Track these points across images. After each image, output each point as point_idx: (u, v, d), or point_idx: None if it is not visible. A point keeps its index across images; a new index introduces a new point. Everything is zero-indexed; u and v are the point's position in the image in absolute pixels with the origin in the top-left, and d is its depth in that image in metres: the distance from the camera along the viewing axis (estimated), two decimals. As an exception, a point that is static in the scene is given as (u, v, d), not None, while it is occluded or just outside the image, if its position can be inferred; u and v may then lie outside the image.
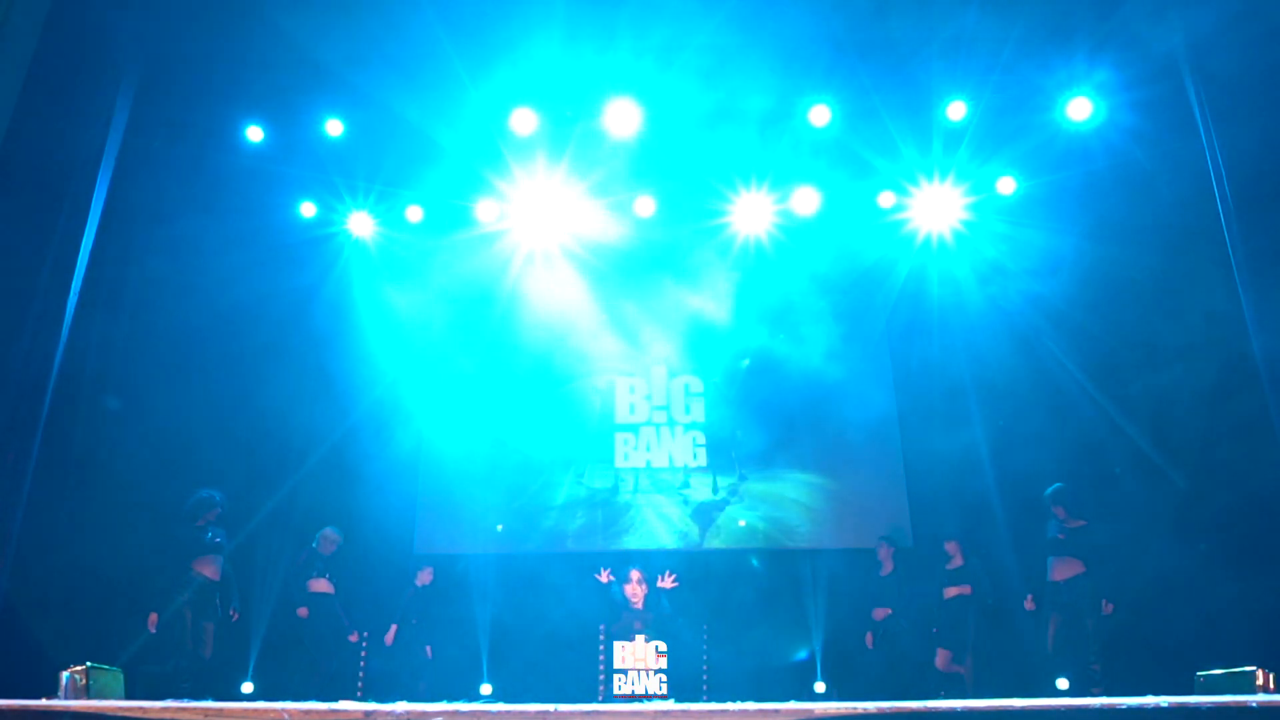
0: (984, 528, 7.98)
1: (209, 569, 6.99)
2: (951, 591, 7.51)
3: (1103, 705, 2.70)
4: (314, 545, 7.65)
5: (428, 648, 7.62)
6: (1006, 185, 8.15)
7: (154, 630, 6.72)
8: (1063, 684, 7.02)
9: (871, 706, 2.81)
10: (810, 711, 2.81)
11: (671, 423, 9.25)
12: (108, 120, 6.63)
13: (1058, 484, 7.30)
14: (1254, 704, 2.69)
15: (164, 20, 6.95)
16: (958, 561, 7.57)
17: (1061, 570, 7.10)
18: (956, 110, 7.58)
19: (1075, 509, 7.22)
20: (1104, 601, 6.92)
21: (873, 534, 8.18)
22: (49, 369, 6.12)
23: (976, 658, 7.42)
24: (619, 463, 9.11)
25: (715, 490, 8.94)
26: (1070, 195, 7.99)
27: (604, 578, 7.35)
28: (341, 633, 7.58)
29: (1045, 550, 7.23)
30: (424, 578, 7.85)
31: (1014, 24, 6.92)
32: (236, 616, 7.22)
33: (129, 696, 5.05)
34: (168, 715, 2.98)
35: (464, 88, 7.34)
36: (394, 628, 7.59)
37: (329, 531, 7.69)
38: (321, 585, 7.52)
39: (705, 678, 7.46)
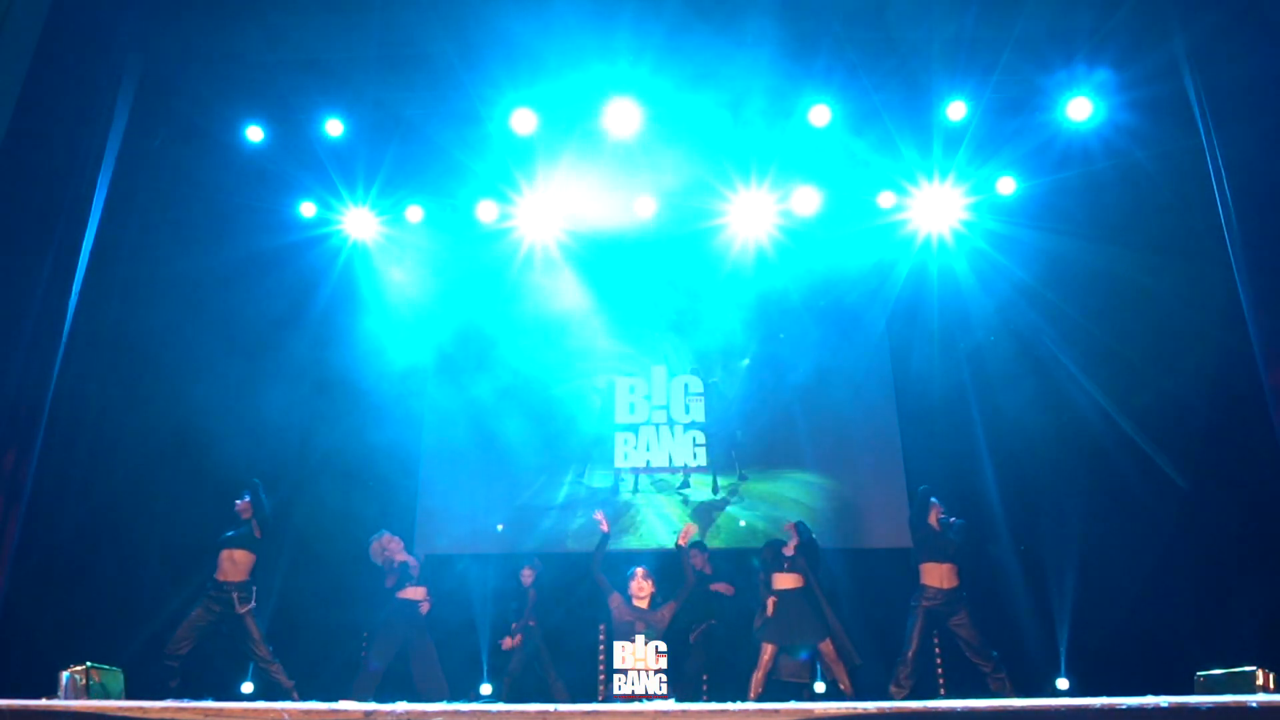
0: (984, 527, 7.98)
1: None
2: (782, 581, 6.95)
3: (1103, 705, 2.70)
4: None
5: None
6: (1006, 185, 8.15)
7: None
8: (1063, 684, 7.02)
9: (872, 706, 2.81)
10: (810, 712, 2.81)
11: (671, 423, 9.24)
12: (108, 120, 6.62)
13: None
14: (1254, 704, 2.69)
15: (164, 20, 6.96)
16: (790, 550, 7.00)
17: (951, 576, 6.68)
18: (956, 110, 7.57)
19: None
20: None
21: (873, 534, 8.16)
22: (49, 370, 6.11)
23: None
24: (619, 463, 9.11)
25: (715, 490, 8.94)
26: (1070, 195, 7.98)
27: (602, 523, 6.78)
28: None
29: (946, 553, 6.72)
30: (528, 577, 7.76)
31: (1014, 24, 6.91)
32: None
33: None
34: (168, 715, 2.99)
35: (464, 87, 7.34)
36: (519, 636, 7.56)
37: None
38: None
39: (705, 677, 7.46)
